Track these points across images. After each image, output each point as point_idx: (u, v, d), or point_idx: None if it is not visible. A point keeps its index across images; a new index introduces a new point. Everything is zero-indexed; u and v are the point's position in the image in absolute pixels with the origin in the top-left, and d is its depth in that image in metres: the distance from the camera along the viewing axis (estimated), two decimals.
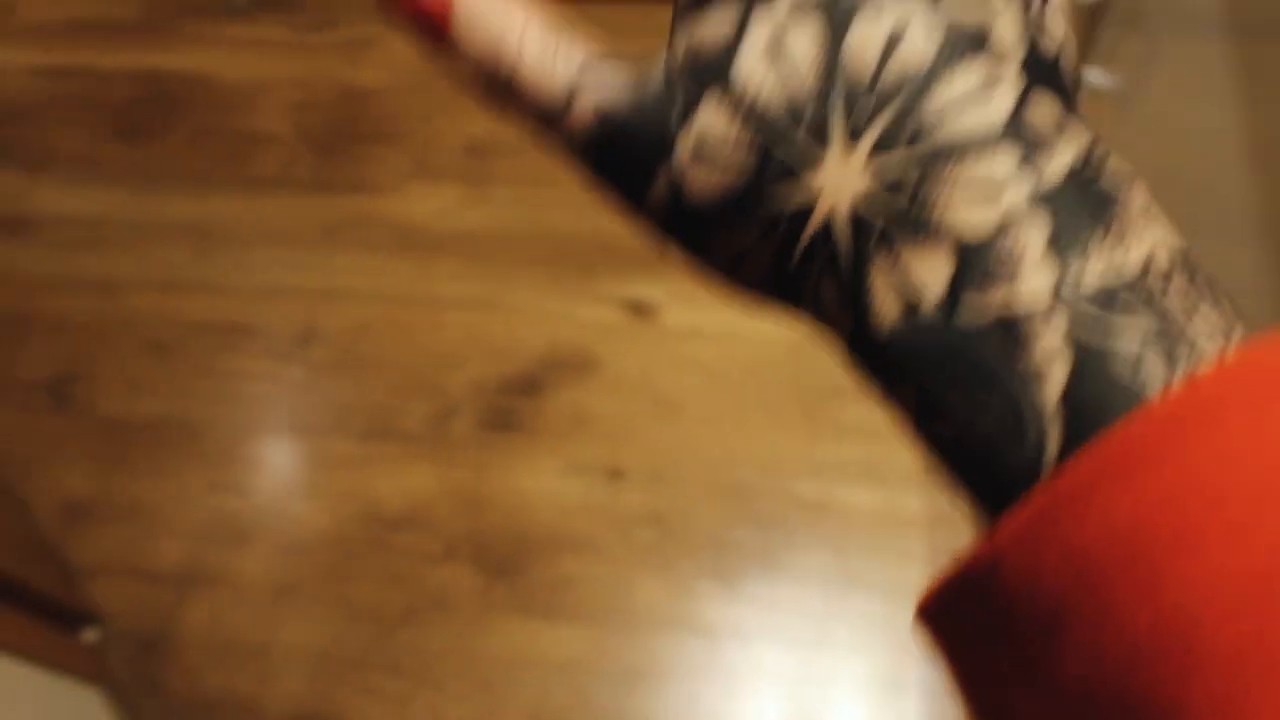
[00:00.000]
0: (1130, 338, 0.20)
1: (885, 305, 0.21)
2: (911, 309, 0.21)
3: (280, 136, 1.72)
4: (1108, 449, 0.18)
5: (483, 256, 1.58)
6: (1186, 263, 0.21)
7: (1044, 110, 0.22)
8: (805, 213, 0.22)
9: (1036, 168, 0.21)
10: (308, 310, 1.56)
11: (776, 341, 1.49)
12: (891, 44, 0.21)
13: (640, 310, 1.52)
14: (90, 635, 1.38)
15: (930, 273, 0.21)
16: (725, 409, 1.45)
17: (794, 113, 0.22)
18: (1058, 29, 0.23)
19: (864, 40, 0.21)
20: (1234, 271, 0.99)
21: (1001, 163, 0.21)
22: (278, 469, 1.46)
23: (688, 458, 1.41)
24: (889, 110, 0.21)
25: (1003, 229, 0.20)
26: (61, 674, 1.29)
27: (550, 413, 1.45)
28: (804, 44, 0.22)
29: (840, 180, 0.21)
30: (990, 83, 0.21)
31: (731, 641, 1.30)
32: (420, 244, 1.60)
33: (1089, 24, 1.03)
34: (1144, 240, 0.21)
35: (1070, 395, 0.20)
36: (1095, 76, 1.02)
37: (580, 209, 1.60)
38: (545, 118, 0.24)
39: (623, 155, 0.24)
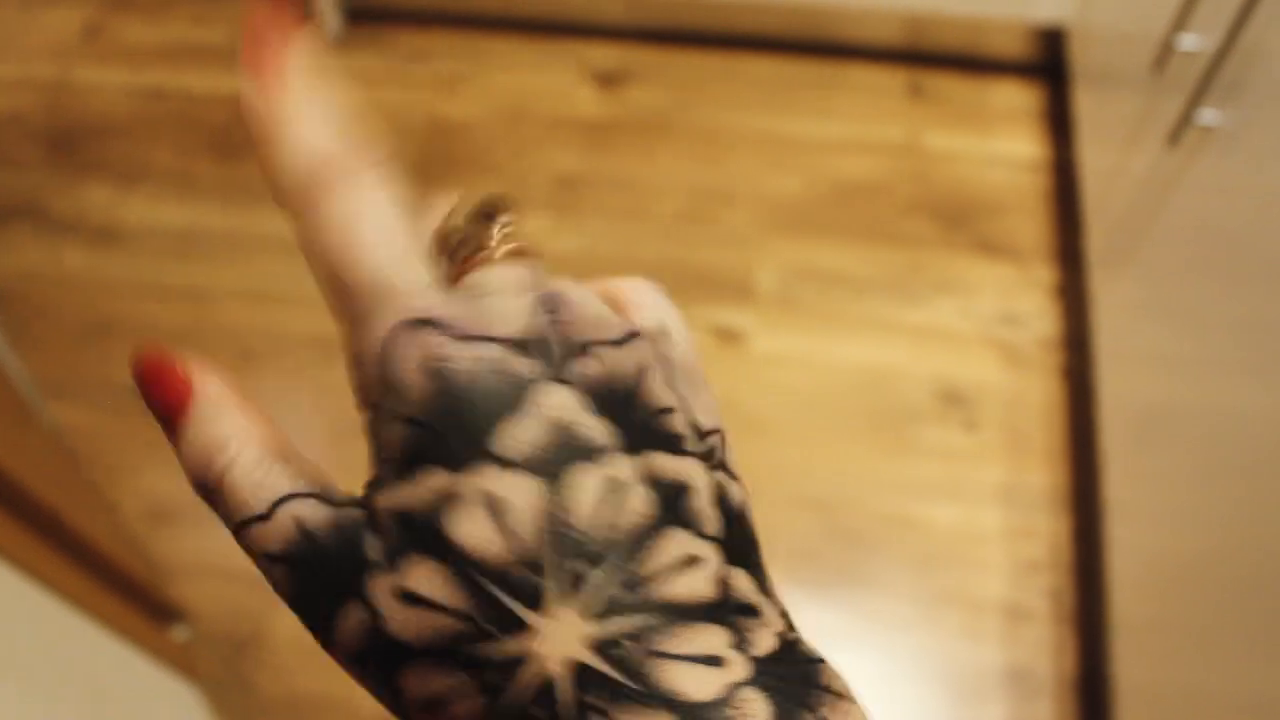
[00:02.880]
0: None
1: None
2: None
3: None
4: None
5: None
6: None
7: (744, 582, 0.23)
8: (516, 666, 0.22)
9: (749, 641, 0.22)
10: None
11: (858, 369, 1.55)
12: (604, 504, 0.22)
13: (728, 336, 1.58)
14: (180, 633, 1.39)
15: None
16: (809, 430, 1.50)
17: (506, 573, 0.22)
18: (737, 486, 0.26)
19: (579, 500, 0.22)
20: None
21: (717, 635, 0.22)
22: (366, 479, 1.49)
23: (773, 474, 1.46)
24: (649, 618, 0.22)
25: (726, 699, 0.21)
26: (159, 664, 1.30)
27: None
28: (523, 501, 0.22)
29: (559, 638, 0.21)
30: (694, 556, 0.22)
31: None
32: None
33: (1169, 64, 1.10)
34: (850, 714, 0.23)
35: None
36: (1208, 116, 1.09)
37: (669, 240, 1.67)
38: (243, 520, 0.24)
39: (318, 573, 0.23)
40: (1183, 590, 1.09)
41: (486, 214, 0.26)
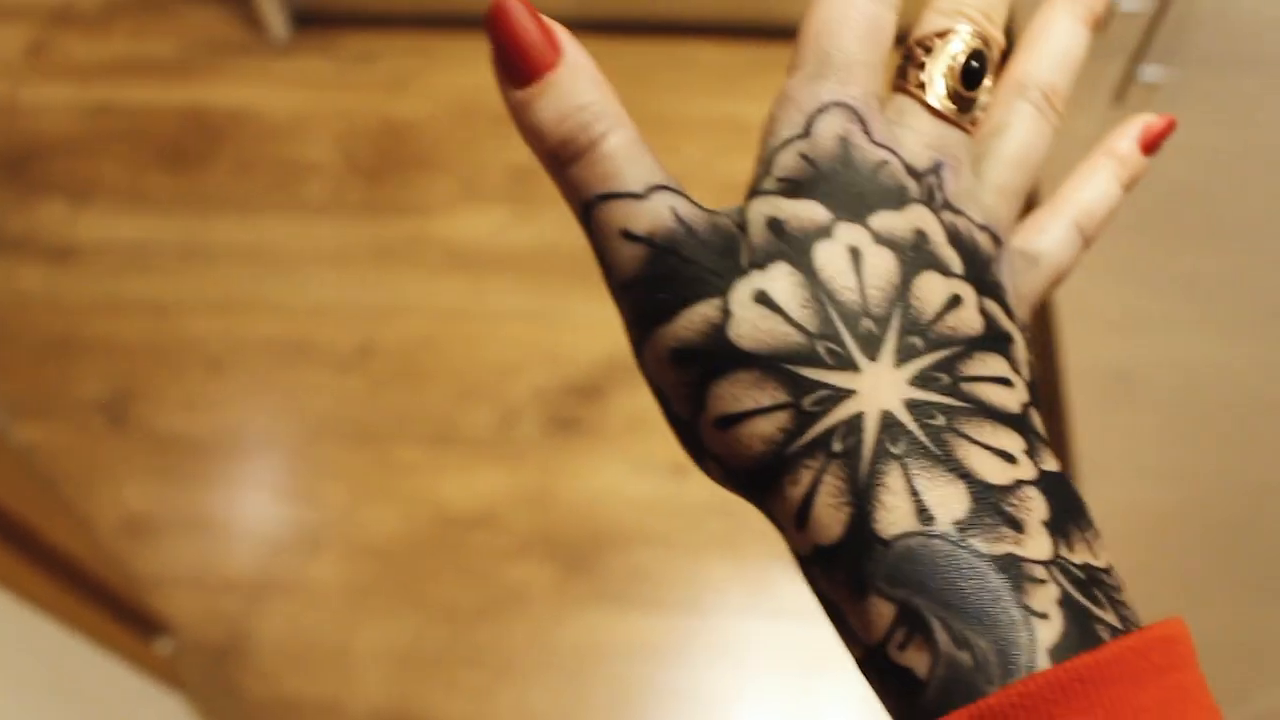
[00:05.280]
0: (1102, 626, 0.22)
1: (898, 509, 0.22)
2: (927, 518, 0.22)
3: (327, 165, 1.77)
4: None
5: (535, 272, 1.64)
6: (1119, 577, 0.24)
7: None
8: (835, 399, 0.23)
9: (1039, 455, 0.24)
10: (365, 326, 1.61)
11: None
12: (953, 302, 0.25)
13: None
14: (164, 646, 1.39)
15: (947, 500, 0.22)
16: None
17: (858, 314, 0.23)
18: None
19: (926, 289, 0.24)
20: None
21: (1013, 439, 0.24)
22: (344, 477, 1.49)
23: None
24: (941, 352, 0.24)
25: (1013, 489, 0.23)
26: (145, 676, 1.30)
27: (612, 415, 1.51)
28: (885, 265, 0.24)
29: (878, 388, 0.23)
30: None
31: (807, 624, 1.35)
32: (472, 262, 1.66)
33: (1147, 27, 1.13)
34: (1106, 551, 0.24)
35: (1057, 652, 0.21)
36: (1150, 72, 1.12)
37: None
38: (609, 193, 0.25)
39: (685, 264, 0.24)
40: (1161, 542, 1.11)
41: (967, 71, 0.27)
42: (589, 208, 0.25)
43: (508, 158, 1.75)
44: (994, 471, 0.23)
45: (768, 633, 1.35)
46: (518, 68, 0.25)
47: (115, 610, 1.31)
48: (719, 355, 0.24)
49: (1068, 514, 0.24)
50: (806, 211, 0.24)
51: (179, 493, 1.50)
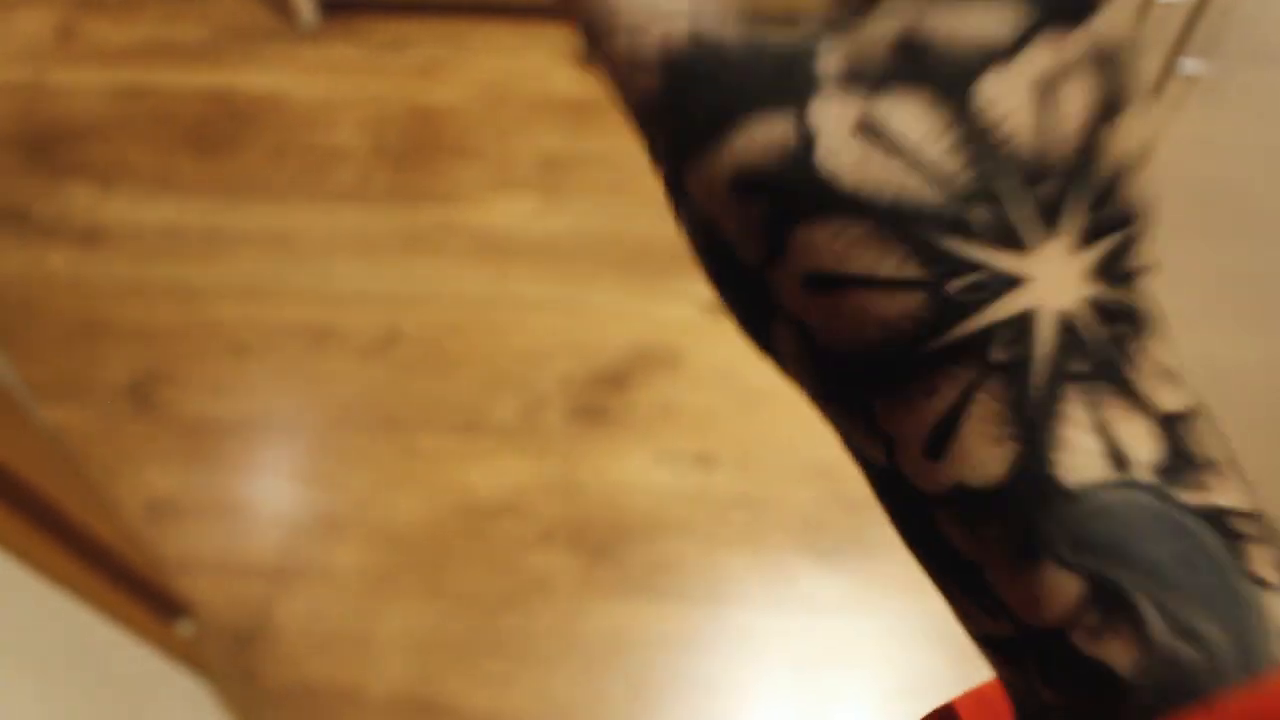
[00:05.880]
0: None
1: (1086, 451, 0.17)
2: (1123, 464, 0.17)
3: (355, 151, 1.77)
4: None
5: (562, 261, 1.63)
6: None
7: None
8: (996, 288, 0.17)
9: (1193, 392, 0.19)
10: (391, 313, 1.61)
11: None
12: (1137, 160, 0.19)
13: (718, 308, 1.59)
14: (186, 628, 1.39)
15: (1141, 439, 0.17)
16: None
17: (1035, 170, 0.17)
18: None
19: (1122, 138, 0.18)
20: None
21: (1175, 354, 0.19)
22: (368, 463, 1.49)
23: (775, 443, 1.47)
24: (1121, 233, 0.18)
25: (1190, 419, 0.18)
26: (167, 658, 1.30)
27: (638, 405, 1.50)
28: (1082, 102, 0.18)
29: (1058, 278, 0.17)
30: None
31: (827, 615, 1.35)
32: (500, 250, 1.66)
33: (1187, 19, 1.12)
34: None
35: None
36: (1190, 65, 1.11)
37: (653, 216, 1.67)
38: (629, 29, 0.20)
39: (722, 75, 0.19)
40: None
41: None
42: (596, 42, 0.20)
43: (537, 146, 1.75)
44: (1171, 396, 0.18)
45: (786, 625, 1.34)
46: None
47: (138, 592, 1.31)
48: (806, 189, 0.18)
49: (1227, 448, 0.18)
50: (978, 25, 0.17)
51: (203, 477, 1.50)
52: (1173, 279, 1.18)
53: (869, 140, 0.17)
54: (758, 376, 1.53)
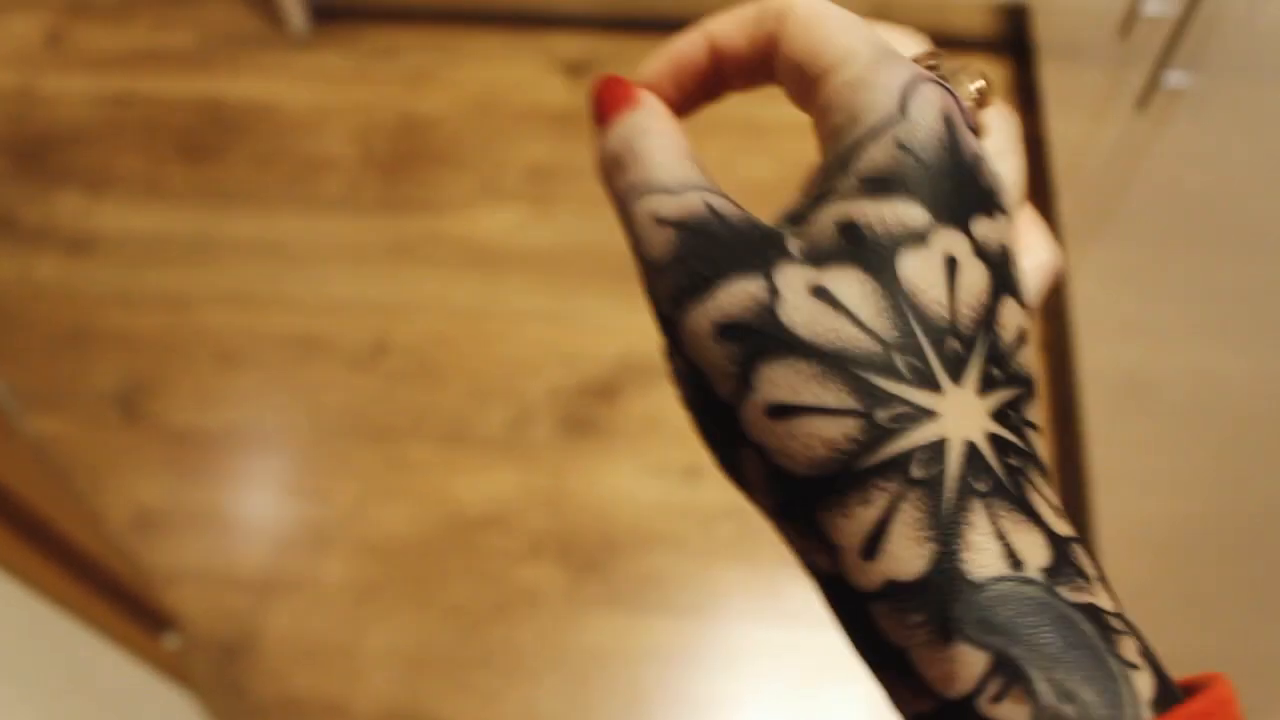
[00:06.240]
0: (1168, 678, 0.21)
1: (988, 551, 0.21)
2: (1017, 563, 0.21)
3: (344, 160, 1.77)
4: None
5: (551, 271, 1.63)
6: None
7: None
8: (916, 418, 0.22)
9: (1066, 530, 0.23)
10: (380, 322, 1.60)
11: None
12: (1024, 336, 0.24)
13: None
14: (172, 642, 1.39)
15: (1032, 546, 0.21)
16: None
17: (945, 331, 0.22)
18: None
19: (1008, 315, 0.23)
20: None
21: (1055, 493, 0.23)
22: (356, 474, 1.49)
23: None
24: (1015, 389, 0.23)
25: (1072, 541, 0.22)
26: (152, 671, 1.30)
27: (626, 417, 1.50)
28: (980, 281, 0.23)
29: (964, 414, 0.22)
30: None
31: (817, 629, 1.34)
32: (488, 260, 1.65)
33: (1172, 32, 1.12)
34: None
35: (1157, 704, 0.20)
36: (1175, 78, 1.11)
37: None
38: (644, 184, 0.24)
39: (717, 243, 0.23)
40: (1172, 555, 1.10)
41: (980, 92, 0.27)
42: (625, 199, 0.25)
43: (527, 156, 1.75)
44: (1057, 523, 0.22)
45: (776, 638, 1.34)
46: (598, 113, 0.26)
47: (124, 604, 1.31)
48: (771, 336, 0.22)
49: (1101, 570, 0.23)
50: (898, 214, 0.23)
51: (190, 487, 1.50)
52: (1160, 292, 1.17)
53: (821, 301, 0.22)
54: None
